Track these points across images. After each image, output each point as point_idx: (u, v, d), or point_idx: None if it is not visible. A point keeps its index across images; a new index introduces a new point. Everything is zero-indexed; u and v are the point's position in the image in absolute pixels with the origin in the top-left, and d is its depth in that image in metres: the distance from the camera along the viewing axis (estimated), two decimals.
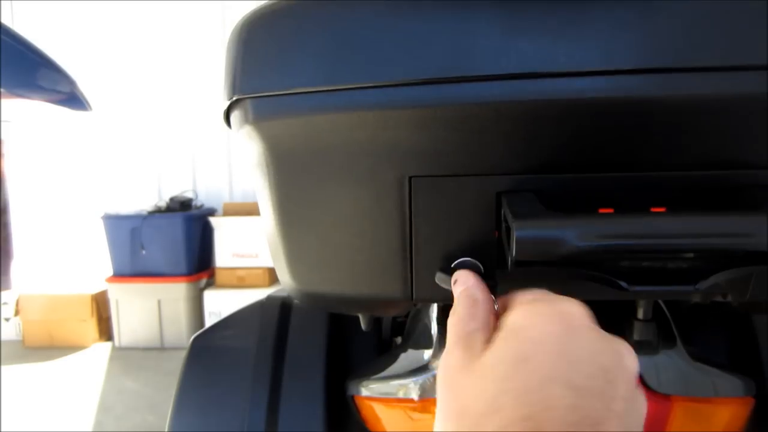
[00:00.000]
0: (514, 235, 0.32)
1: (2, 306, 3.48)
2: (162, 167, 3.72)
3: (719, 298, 0.55)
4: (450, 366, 0.30)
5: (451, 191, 0.38)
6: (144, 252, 3.22)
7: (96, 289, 3.36)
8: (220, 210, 3.52)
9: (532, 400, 0.24)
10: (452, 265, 0.39)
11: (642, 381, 0.60)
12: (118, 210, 3.41)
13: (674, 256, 0.34)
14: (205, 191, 3.67)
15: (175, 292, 3.23)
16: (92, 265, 3.52)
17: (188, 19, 3.60)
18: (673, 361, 0.62)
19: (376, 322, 0.86)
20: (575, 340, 0.27)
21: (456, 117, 0.36)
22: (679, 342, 0.63)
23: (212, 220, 3.34)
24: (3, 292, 3.56)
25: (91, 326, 3.34)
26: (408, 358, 0.72)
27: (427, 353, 0.69)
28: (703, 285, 0.34)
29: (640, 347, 0.60)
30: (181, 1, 3.56)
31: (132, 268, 3.25)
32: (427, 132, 0.37)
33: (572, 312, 0.29)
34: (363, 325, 0.53)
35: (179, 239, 3.22)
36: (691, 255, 0.35)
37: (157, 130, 3.69)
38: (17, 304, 3.43)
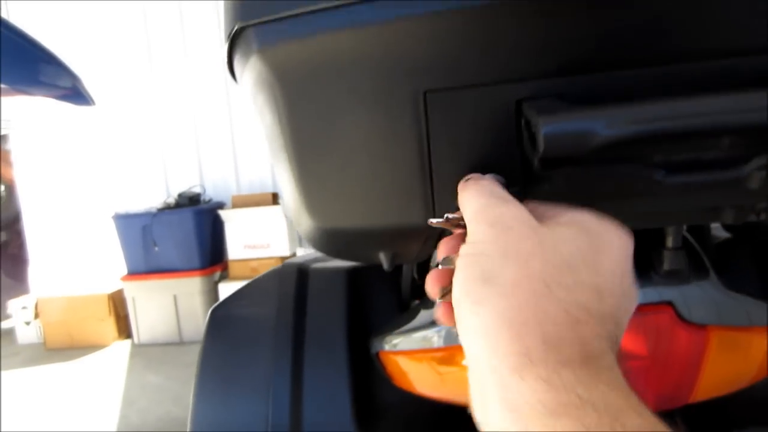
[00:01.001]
0: (541, 130, 0.31)
1: (22, 310, 3.50)
2: (168, 164, 3.72)
3: (752, 217, 0.53)
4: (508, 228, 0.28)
5: (468, 104, 0.36)
6: (157, 249, 3.23)
7: (112, 289, 3.38)
8: (228, 203, 3.52)
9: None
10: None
11: (676, 312, 0.58)
12: (128, 209, 3.41)
13: (712, 141, 0.32)
14: (213, 185, 3.67)
15: (190, 287, 3.24)
16: (107, 264, 3.53)
17: (188, 17, 3.58)
18: (707, 292, 0.60)
19: (395, 284, 0.85)
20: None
21: (470, 20, 0.34)
22: (712, 274, 0.61)
23: (222, 213, 3.34)
24: (21, 297, 3.59)
25: (110, 325, 3.36)
26: (429, 313, 0.70)
27: None
28: (745, 170, 0.32)
29: (671, 277, 0.58)
30: (180, 0, 3.55)
31: (146, 266, 3.26)
32: (440, 41, 0.35)
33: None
34: (385, 266, 0.51)
35: (190, 234, 3.22)
36: (728, 140, 0.32)
37: (161, 127, 3.69)
38: (36, 308, 3.46)
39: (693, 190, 0.39)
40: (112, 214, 3.32)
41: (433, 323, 0.67)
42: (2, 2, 3.57)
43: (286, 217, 3.27)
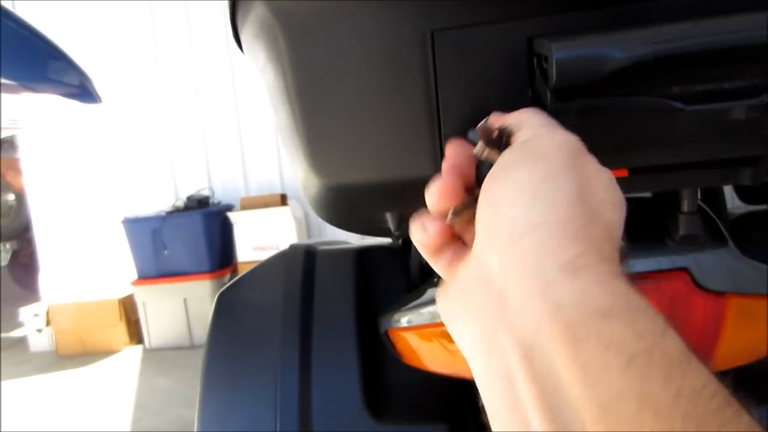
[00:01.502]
0: (553, 56, 0.29)
1: (33, 318, 3.52)
2: (177, 166, 3.73)
3: None
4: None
5: (477, 43, 0.35)
6: (166, 252, 3.24)
7: (123, 293, 3.38)
8: (237, 205, 3.52)
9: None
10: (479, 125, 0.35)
11: (693, 279, 0.56)
12: (137, 213, 3.42)
13: (730, 67, 0.31)
14: (222, 187, 3.68)
15: (200, 290, 3.24)
16: (117, 269, 3.54)
17: (195, 18, 3.60)
18: (724, 259, 0.58)
19: (404, 265, 0.84)
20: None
21: None
22: (730, 242, 0.60)
23: (230, 215, 3.35)
24: (33, 305, 3.60)
25: (121, 330, 3.37)
26: (437, 290, 0.69)
27: None
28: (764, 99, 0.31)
29: (686, 243, 0.57)
30: (186, 1, 3.57)
31: (156, 270, 3.27)
32: None
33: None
34: (392, 226, 0.50)
35: (200, 237, 3.22)
36: (747, 66, 0.31)
37: (168, 130, 3.70)
38: (48, 315, 3.47)
39: (710, 131, 0.38)
40: (122, 218, 3.33)
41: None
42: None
43: (294, 218, 3.27)
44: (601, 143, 0.39)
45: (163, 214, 3.29)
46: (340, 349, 0.73)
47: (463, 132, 0.37)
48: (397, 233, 0.51)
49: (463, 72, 0.36)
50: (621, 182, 0.52)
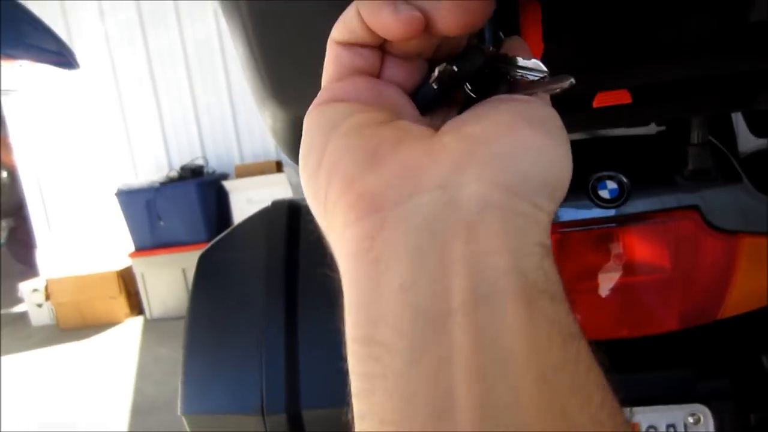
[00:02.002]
0: None
1: (33, 293, 3.51)
2: (169, 137, 3.67)
3: None
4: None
5: None
6: (162, 223, 3.20)
7: (121, 266, 3.36)
8: (232, 173, 3.47)
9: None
10: None
11: (702, 218, 0.52)
12: (130, 184, 3.37)
13: None
14: (216, 156, 3.62)
15: None
16: (114, 242, 3.52)
17: None
18: (737, 197, 0.53)
19: None
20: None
21: None
22: (744, 178, 0.55)
23: (226, 183, 3.30)
24: (32, 280, 3.59)
25: (121, 302, 3.36)
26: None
27: None
28: None
29: (696, 179, 0.52)
30: None
31: (153, 241, 3.24)
32: None
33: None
34: None
35: (195, 206, 3.18)
36: None
37: (160, 100, 3.62)
38: (47, 289, 3.46)
39: (719, 34, 0.33)
40: (115, 190, 3.28)
41: None
42: None
43: (291, 184, 3.21)
44: (599, 57, 0.34)
45: (157, 185, 3.24)
46: (326, 309, 0.69)
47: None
48: None
49: None
50: (626, 112, 0.47)
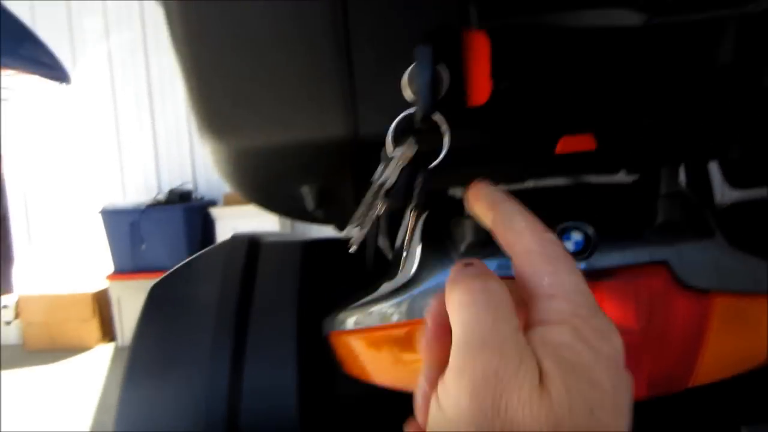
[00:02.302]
0: None
1: (3, 309, 3.40)
2: (161, 159, 3.64)
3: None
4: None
5: None
6: (144, 246, 3.14)
7: (97, 288, 3.28)
8: (220, 201, 3.43)
9: None
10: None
11: (672, 275, 0.48)
12: (116, 204, 3.32)
13: None
14: (206, 182, 3.59)
15: None
16: (93, 263, 3.44)
17: None
18: (710, 252, 0.50)
19: (359, 260, 0.75)
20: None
21: None
22: (717, 232, 0.51)
23: (213, 211, 3.26)
24: (3, 296, 3.49)
25: (93, 326, 3.26)
26: (391, 284, 0.61)
27: (414, 271, 0.58)
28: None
29: (666, 232, 0.49)
30: None
31: (132, 264, 3.16)
32: None
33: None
34: (308, 205, 0.42)
35: (180, 232, 3.13)
36: None
37: (154, 121, 3.61)
38: (17, 307, 3.35)
39: (686, 78, 0.30)
40: (100, 209, 3.22)
41: (394, 293, 0.58)
42: None
43: (279, 217, 3.17)
44: (560, 101, 0.31)
45: (143, 206, 3.19)
46: (276, 352, 0.65)
47: (381, 76, 0.29)
48: (315, 213, 0.43)
49: (375, 5, 0.27)
50: (590, 159, 0.44)
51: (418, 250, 0.58)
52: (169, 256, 3.13)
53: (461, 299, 0.23)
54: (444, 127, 0.28)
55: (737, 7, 0.23)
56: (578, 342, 0.23)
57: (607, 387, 0.22)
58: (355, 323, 0.59)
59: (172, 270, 0.75)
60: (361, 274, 0.73)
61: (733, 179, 0.59)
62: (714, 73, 0.32)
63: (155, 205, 3.22)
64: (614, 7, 0.23)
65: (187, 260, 0.76)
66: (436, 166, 0.47)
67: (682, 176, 0.69)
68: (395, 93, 0.29)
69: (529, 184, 0.54)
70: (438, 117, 0.27)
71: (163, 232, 3.13)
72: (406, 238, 0.32)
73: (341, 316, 0.61)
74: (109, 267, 3.24)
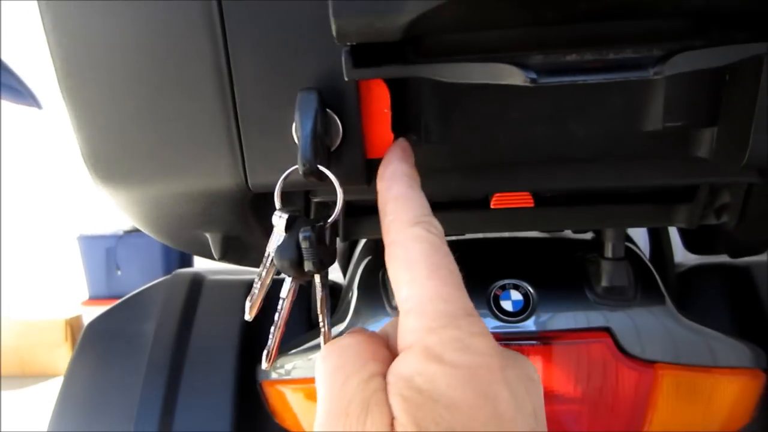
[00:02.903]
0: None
1: None
2: None
3: (712, 219, 0.42)
4: None
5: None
6: (120, 273, 3.09)
7: (71, 314, 3.20)
8: None
9: None
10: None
11: (616, 344, 0.45)
12: (94, 230, 3.28)
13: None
14: None
15: None
16: (68, 288, 3.37)
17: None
18: (660, 321, 0.47)
19: (305, 303, 0.72)
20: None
21: None
22: (667, 300, 0.49)
23: None
24: None
25: (65, 353, 3.16)
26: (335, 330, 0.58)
27: (349, 320, 0.55)
28: (663, 68, 0.21)
29: (610, 297, 0.46)
30: None
31: (108, 290, 3.11)
32: None
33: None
34: (214, 251, 0.39)
35: (156, 259, 3.08)
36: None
37: None
38: None
39: (613, 136, 0.28)
40: (77, 235, 3.18)
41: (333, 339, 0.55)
42: None
43: None
44: (491, 157, 0.29)
45: (121, 232, 3.15)
46: (210, 400, 0.61)
47: (267, 112, 0.26)
48: (219, 259, 0.40)
49: (257, 26, 0.25)
50: (529, 216, 0.41)
51: (354, 299, 0.55)
52: (145, 282, 3.06)
53: (317, 368, 0.23)
54: (336, 183, 0.26)
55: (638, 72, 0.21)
56: (429, 364, 0.20)
57: (472, 402, 0.19)
58: (286, 373, 0.56)
59: (110, 308, 0.72)
60: (308, 316, 0.70)
61: (690, 243, 0.57)
62: (644, 136, 0.30)
63: (133, 231, 3.17)
64: (502, 67, 0.21)
65: (126, 297, 0.73)
66: (351, 219, 0.45)
67: (639, 233, 0.67)
68: (285, 144, 0.26)
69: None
70: (326, 171, 0.25)
71: (140, 258, 3.09)
72: (319, 305, 0.29)
73: (277, 363, 0.58)
74: (84, 293, 3.18)
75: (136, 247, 3.08)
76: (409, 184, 0.24)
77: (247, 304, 0.28)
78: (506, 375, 0.20)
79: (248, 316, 0.28)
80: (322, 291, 0.28)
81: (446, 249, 0.22)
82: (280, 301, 0.27)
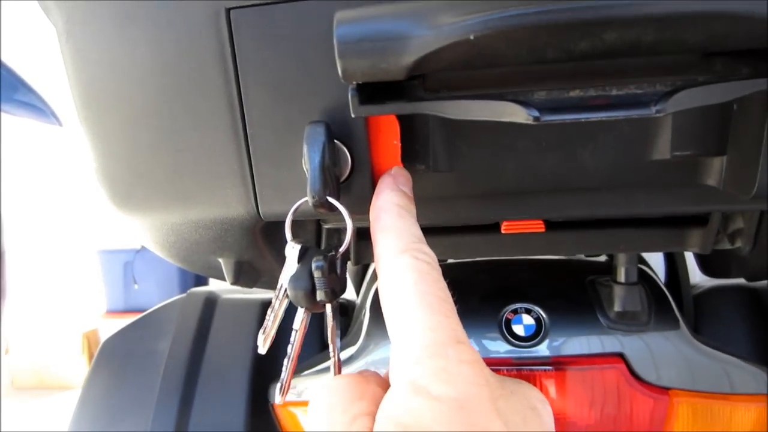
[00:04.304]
0: (335, 35, 0.20)
1: None
2: None
3: (726, 244, 0.41)
4: None
5: (283, 23, 0.25)
6: (137, 287, 3.12)
7: (89, 327, 3.24)
8: None
9: None
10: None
11: (631, 371, 0.45)
12: (114, 245, 3.32)
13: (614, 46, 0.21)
14: None
15: None
16: (86, 302, 3.41)
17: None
18: (675, 347, 0.47)
19: (319, 323, 0.72)
20: None
21: None
22: (682, 324, 0.48)
23: None
24: None
25: (83, 365, 3.20)
26: (347, 351, 0.58)
27: (361, 342, 0.55)
28: (666, 106, 0.21)
29: (623, 322, 0.46)
30: None
31: (125, 304, 3.14)
32: None
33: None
34: (227, 276, 0.39)
35: (173, 273, 3.11)
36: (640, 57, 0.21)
37: None
38: (6, 344, 3.31)
39: (622, 167, 0.28)
40: (98, 249, 3.22)
41: (346, 361, 0.55)
42: None
43: None
44: (499, 186, 0.29)
45: (138, 247, 3.19)
46: (222, 419, 0.61)
47: (277, 143, 0.27)
48: (232, 283, 0.41)
49: (268, 60, 0.26)
50: (540, 241, 0.41)
51: (366, 320, 0.55)
52: (161, 296, 3.08)
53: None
54: (345, 214, 0.26)
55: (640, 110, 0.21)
56: (415, 397, 0.19)
57: None
58: (298, 394, 0.56)
59: (124, 326, 0.73)
60: (323, 337, 0.70)
61: (705, 266, 0.56)
62: (653, 165, 0.30)
63: None
64: (505, 104, 0.21)
65: (141, 315, 0.74)
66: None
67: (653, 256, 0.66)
68: (296, 175, 0.27)
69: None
70: (335, 203, 0.25)
71: (157, 272, 3.12)
72: (330, 335, 0.30)
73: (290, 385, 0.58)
74: (102, 306, 3.21)
75: (153, 262, 3.12)
76: (398, 213, 0.24)
77: (260, 336, 0.28)
78: (498, 406, 0.19)
79: (262, 350, 0.28)
80: (333, 321, 0.28)
81: (436, 275, 0.22)
82: (293, 333, 0.27)
